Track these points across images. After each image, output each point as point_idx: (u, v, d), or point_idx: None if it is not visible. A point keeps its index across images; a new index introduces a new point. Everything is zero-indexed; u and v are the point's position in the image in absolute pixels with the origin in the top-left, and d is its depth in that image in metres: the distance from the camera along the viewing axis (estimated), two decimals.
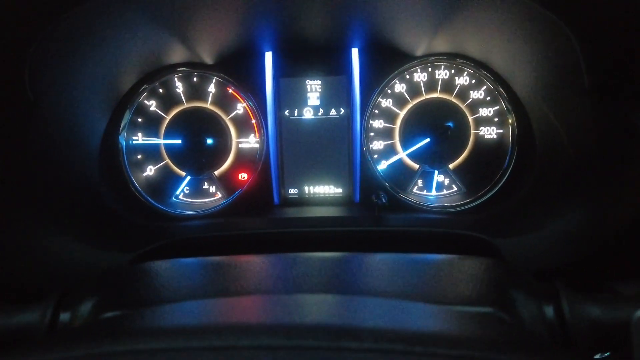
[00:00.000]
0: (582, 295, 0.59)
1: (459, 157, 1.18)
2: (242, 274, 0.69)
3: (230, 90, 1.18)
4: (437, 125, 1.16)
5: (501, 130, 1.16)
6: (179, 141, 1.18)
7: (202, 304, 0.52)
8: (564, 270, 0.92)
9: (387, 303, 0.47)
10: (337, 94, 1.16)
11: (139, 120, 1.18)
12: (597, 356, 0.79)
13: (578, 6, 0.74)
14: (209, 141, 1.19)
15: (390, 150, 1.19)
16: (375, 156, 1.19)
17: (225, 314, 0.44)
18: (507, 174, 1.13)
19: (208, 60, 1.14)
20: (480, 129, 1.17)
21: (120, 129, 1.15)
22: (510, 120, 1.13)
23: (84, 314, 0.60)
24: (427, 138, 1.16)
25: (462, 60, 1.14)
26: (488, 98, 1.15)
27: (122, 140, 1.15)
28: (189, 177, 1.20)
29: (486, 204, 1.12)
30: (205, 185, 1.22)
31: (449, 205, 1.14)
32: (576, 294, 0.59)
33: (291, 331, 0.35)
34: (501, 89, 1.12)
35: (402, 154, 1.18)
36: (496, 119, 1.16)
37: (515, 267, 0.69)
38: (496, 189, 1.13)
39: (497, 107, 1.15)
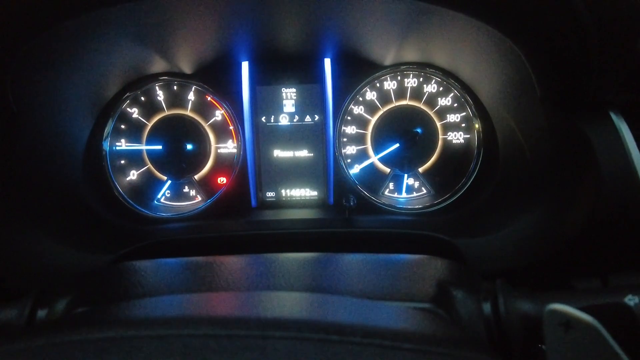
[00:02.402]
0: (518, 291, 0.64)
1: (428, 161, 1.23)
2: (216, 273, 0.74)
3: (209, 98, 1.23)
4: (407, 130, 1.21)
5: (468, 135, 1.21)
6: (160, 147, 1.23)
7: (168, 299, 0.57)
8: (524, 270, 0.98)
9: (328, 298, 0.52)
10: (311, 101, 1.21)
11: (122, 127, 1.23)
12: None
13: (523, 26, 0.80)
14: (189, 146, 1.24)
15: (362, 155, 1.24)
16: (348, 160, 1.24)
17: (179, 307, 0.49)
18: (473, 177, 1.18)
19: (187, 70, 1.19)
20: (448, 134, 1.22)
21: (104, 135, 1.20)
22: (476, 126, 1.19)
23: (59, 311, 0.65)
24: (396, 143, 1.21)
25: (431, 70, 1.19)
26: (455, 105, 1.21)
27: (106, 146, 1.20)
28: (169, 181, 1.25)
29: (452, 206, 1.18)
30: (186, 189, 1.27)
31: (418, 207, 1.20)
32: (512, 291, 0.64)
33: (228, 322, 0.40)
34: (467, 97, 1.18)
35: (373, 158, 1.24)
36: (463, 125, 1.21)
37: (462, 267, 0.74)
38: (462, 191, 1.18)
39: (464, 114, 1.21)
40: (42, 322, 0.62)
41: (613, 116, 0.91)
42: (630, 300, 0.55)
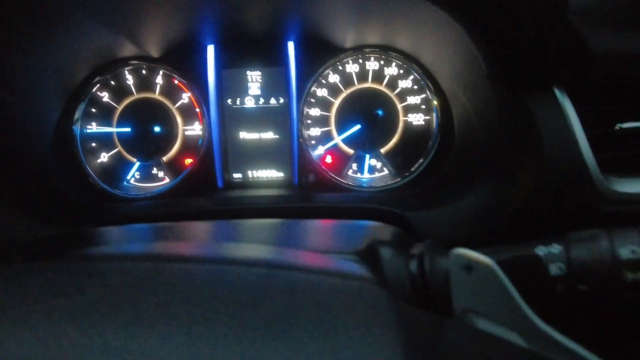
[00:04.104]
0: (445, 249, 0.67)
1: (390, 142, 1.27)
2: (176, 232, 0.78)
3: (176, 82, 1.26)
4: (368, 112, 1.25)
5: (428, 117, 1.25)
6: (129, 129, 1.27)
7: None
8: (475, 240, 1.01)
9: (267, 247, 0.56)
10: (275, 84, 1.25)
11: (93, 110, 1.26)
12: None
13: (459, 3, 0.83)
14: (157, 129, 1.27)
15: (326, 136, 1.28)
16: (313, 142, 1.28)
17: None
18: (430, 156, 1.22)
19: (154, 53, 1.23)
20: (409, 115, 1.26)
21: (75, 118, 1.23)
22: (434, 108, 1.22)
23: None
24: (358, 124, 1.25)
25: (392, 53, 1.23)
26: (415, 87, 1.24)
27: (77, 129, 1.24)
28: (139, 163, 1.29)
29: (410, 183, 1.22)
30: (155, 171, 1.30)
31: (380, 185, 1.24)
32: (439, 248, 0.67)
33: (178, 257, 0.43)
34: (427, 79, 1.22)
35: (337, 140, 1.27)
36: (423, 107, 1.25)
37: (402, 232, 0.78)
38: (420, 170, 1.22)
39: (424, 96, 1.24)
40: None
41: (557, 92, 0.95)
42: (540, 250, 0.58)
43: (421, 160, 1.23)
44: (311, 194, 1.15)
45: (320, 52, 1.22)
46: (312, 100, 1.26)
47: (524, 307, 0.49)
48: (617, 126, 0.98)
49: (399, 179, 1.23)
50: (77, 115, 1.23)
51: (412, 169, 1.24)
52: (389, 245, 0.68)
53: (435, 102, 1.22)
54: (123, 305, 0.32)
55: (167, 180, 1.30)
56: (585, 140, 0.94)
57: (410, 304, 0.62)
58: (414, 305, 0.62)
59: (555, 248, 0.58)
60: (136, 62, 1.24)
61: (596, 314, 0.63)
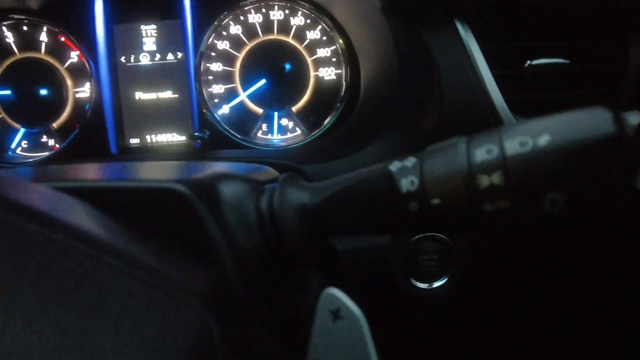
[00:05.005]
0: (299, 184, 0.58)
1: (301, 99, 1.18)
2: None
3: (63, 39, 1.14)
4: (274, 66, 1.15)
5: (339, 71, 1.16)
6: (9, 92, 1.14)
7: None
8: None
9: None
10: (172, 38, 1.14)
11: None
12: None
13: None
14: (44, 92, 1.15)
15: (231, 94, 1.17)
16: (216, 100, 1.17)
17: None
18: (339, 111, 1.13)
19: (33, 4, 1.11)
20: (320, 70, 1.17)
21: None
22: (344, 60, 1.14)
23: None
24: (263, 79, 1.15)
25: (300, 2, 1.14)
26: (325, 38, 1.15)
27: None
28: (24, 130, 1.16)
29: (316, 140, 1.13)
30: (44, 139, 1.18)
31: (290, 144, 1.14)
32: (293, 183, 0.58)
33: None
34: (335, 30, 1.13)
35: (243, 97, 1.17)
36: (334, 60, 1.16)
37: (272, 171, 0.69)
38: (328, 125, 1.13)
39: (334, 47, 1.15)
40: None
41: (459, 26, 0.87)
42: (394, 166, 0.50)
43: (332, 115, 1.14)
44: (212, 151, 1.06)
45: (218, 1, 1.12)
46: (213, 54, 1.16)
47: None
48: (527, 63, 0.92)
49: (308, 136, 1.14)
50: None
51: (322, 126, 1.14)
52: (242, 179, 0.59)
53: (344, 54, 1.13)
54: None
55: (58, 148, 1.18)
56: (492, 80, 0.87)
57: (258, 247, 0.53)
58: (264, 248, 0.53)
59: (410, 161, 0.49)
60: (16, 16, 1.12)
61: (453, 231, 0.55)
